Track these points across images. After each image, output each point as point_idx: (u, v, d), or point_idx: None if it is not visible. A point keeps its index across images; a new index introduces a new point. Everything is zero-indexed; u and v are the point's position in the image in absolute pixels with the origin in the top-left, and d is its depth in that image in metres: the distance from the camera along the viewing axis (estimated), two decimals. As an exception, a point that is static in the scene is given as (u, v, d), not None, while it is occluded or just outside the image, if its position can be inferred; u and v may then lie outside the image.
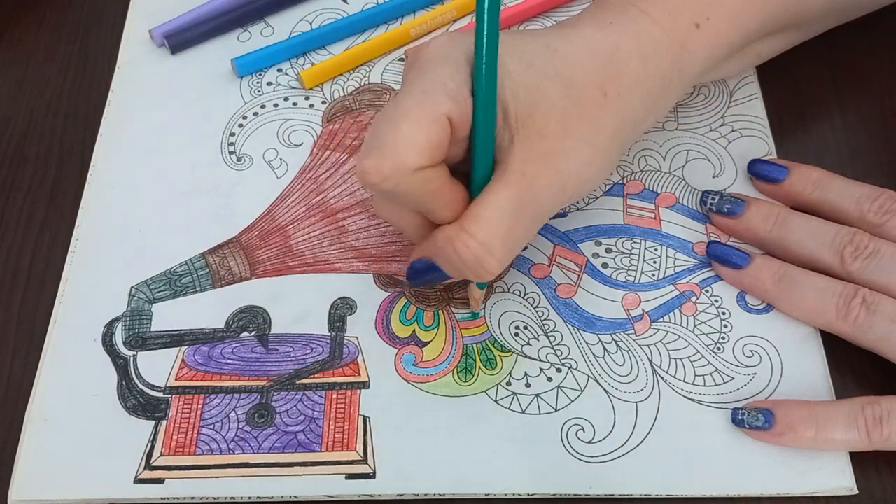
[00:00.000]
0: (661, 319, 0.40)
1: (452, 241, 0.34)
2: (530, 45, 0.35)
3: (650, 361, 0.39)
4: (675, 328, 0.40)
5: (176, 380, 0.40)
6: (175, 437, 0.38)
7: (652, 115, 0.38)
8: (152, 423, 0.38)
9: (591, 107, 0.35)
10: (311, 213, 0.44)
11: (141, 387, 0.39)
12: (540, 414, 0.38)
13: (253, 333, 0.41)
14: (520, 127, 0.34)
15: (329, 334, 0.40)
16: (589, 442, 0.37)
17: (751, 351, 0.39)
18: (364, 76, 0.49)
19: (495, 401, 0.39)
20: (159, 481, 0.37)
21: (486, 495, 0.36)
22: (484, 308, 0.41)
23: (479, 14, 0.32)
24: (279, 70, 0.49)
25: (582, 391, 0.39)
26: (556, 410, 0.38)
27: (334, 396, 0.39)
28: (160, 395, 0.39)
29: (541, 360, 0.39)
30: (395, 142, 0.32)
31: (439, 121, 0.32)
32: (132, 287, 0.42)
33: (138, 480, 0.37)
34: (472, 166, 0.35)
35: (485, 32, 0.32)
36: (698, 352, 0.39)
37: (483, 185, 0.34)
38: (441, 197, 0.34)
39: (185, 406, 0.39)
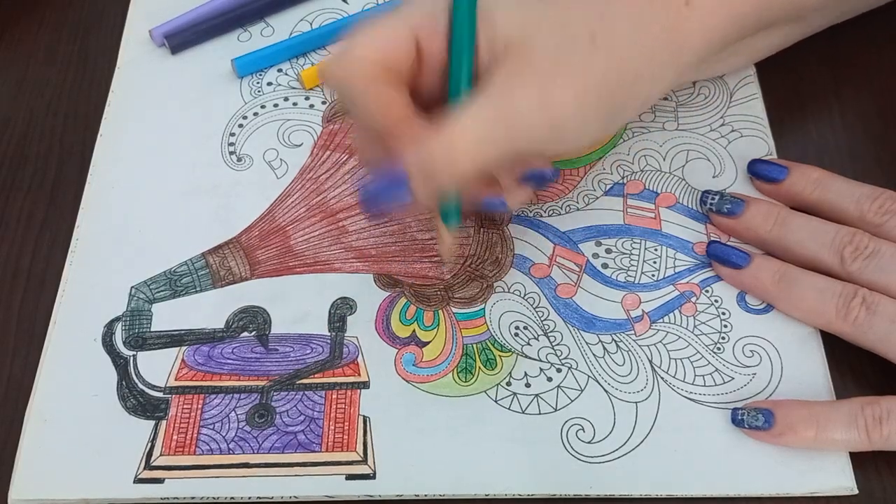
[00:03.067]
0: (661, 320, 0.40)
1: (424, 137, 0.34)
2: None
3: (650, 362, 0.39)
4: (675, 328, 0.40)
5: (176, 380, 0.40)
6: (175, 437, 0.38)
7: (644, 86, 0.37)
8: (152, 422, 0.38)
9: (582, 51, 0.35)
10: (311, 214, 0.44)
11: (141, 387, 0.39)
12: (540, 414, 0.38)
13: (253, 333, 0.41)
14: (507, 56, 0.34)
15: (329, 334, 0.40)
16: (589, 442, 0.37)
17: (751, 351, 0.39)
18: (364, 76, 0.49)
19: (495, 401, 0.39)
20: (159, 481, 0.37)
21: (486, 495, 0.36)
22: (484, 306, 0.41)
23: None
24: (279, 70, 0.49)
25: (582, 391, 0.39)
26: (556, 410, 0.38)
27: (334, 396, 0.39)
28: (160, 394, 0.39)
29: (541, 360, 0.39)
30: (353, 41, 0.34)
31: (403, 31, 0.34)
32: (132, 287, 0.42)
33: (138, 480, 0.37)
34: (448, 89, 0.35)
35: None
36: (698, 352, 0.39)
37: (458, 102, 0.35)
38: (400, 123, 0.34)
39: (185, 406, 0.39)
